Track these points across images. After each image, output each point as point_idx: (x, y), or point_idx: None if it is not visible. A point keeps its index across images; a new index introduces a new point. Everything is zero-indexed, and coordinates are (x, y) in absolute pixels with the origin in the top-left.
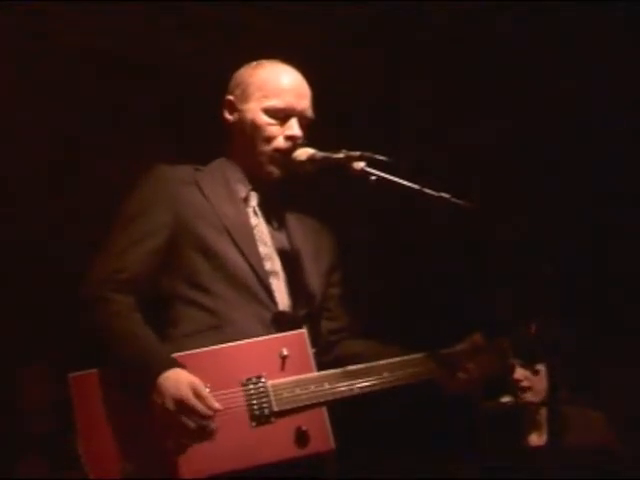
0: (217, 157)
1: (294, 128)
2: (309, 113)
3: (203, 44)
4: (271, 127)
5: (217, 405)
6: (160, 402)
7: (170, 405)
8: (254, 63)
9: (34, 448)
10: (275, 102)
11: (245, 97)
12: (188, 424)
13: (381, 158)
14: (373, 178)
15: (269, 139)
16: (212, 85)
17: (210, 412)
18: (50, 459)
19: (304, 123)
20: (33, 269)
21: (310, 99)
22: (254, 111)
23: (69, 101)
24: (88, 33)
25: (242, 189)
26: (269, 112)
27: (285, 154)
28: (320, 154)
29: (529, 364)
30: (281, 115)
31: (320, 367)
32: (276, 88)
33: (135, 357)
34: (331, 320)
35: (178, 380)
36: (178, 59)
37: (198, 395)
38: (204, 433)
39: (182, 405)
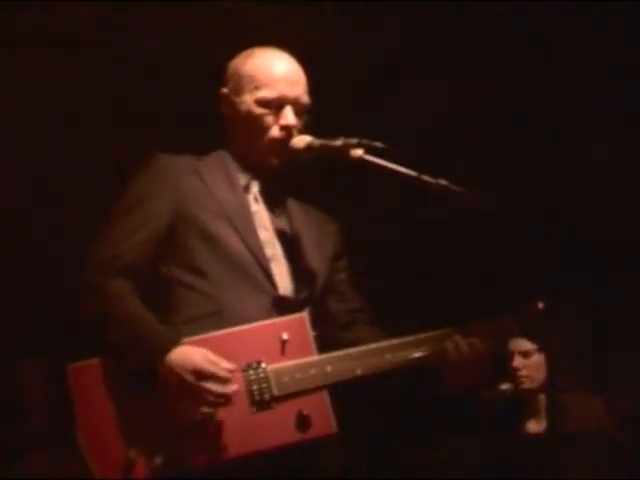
0: (218, 148)
1: (288, 117)
2: (304, 99)
3: (201, 36)
4: (265, 117)
5: (231, 365)
6: (176, 378)
7: (189, 377)
8: (247, 52)
9: (35, 442)
10: (267, 92)
11: (238, 89)
12: (212, 390)
13: (379, 145)
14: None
15: (264, 129)
16: (211, 77)
17: (229, 374)
18: (50, 452)
19: (300, 109)
20: (32, 266)
21: (304, 85)
22: (247, 103)
23: (70, 96)
24: (88, 28)
25: (242, 178)
26: (262, 103)
27: (282, 143)
28: (318, 142)
29: (533, 341)
30: (275, 105)
31: (327, 349)
32: (267, 78)
33: (137, 339)
34: (343, 302)
35: (188, 353)
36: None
37: (211, 361)
38: (226, 398)
39: (201, 373)
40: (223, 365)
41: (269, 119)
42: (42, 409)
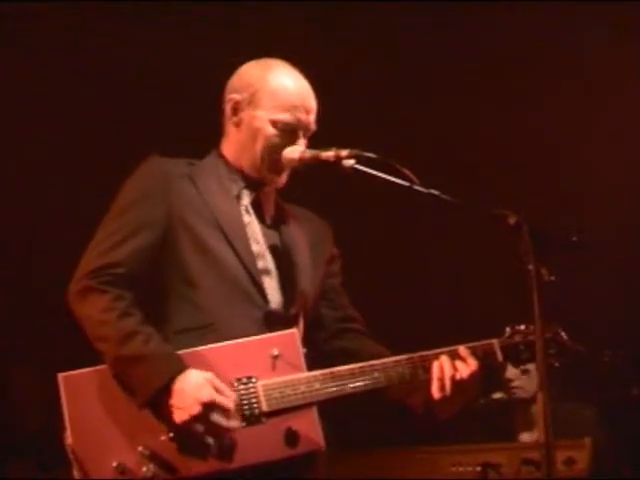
0: (208, 152)
1: (300, 144)
2: (313, 126)
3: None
4: (276, 138)
5: (233, 395)
6: (184, 406)
7: (197, 409)
8: (263, 63)
9: (23, 449)
10: (285, 117)
11: (254, 103)
12: (219, 423)
13: (371, 155)
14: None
15: (272, 150)
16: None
17: (232, 404)
18: (37, 460)
19: (308, 134)
20: (22, 271)
21: (316, 112)
22: (262, 120)
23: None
24: (85, 32)
25: (234, 187)
26: (277, 124)
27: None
28: (309, 152)
29: (517, 366)
30: (288, 129)
31: (318, 361)
32: (287, 101)
33: (140, 359)
34: (334, 309)
35: (196, 382)
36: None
37: (218, 390)
38: (229, 431)
39: (210, 405)
40: (228, 394)
41: (279, 140)
42: (32, 417)
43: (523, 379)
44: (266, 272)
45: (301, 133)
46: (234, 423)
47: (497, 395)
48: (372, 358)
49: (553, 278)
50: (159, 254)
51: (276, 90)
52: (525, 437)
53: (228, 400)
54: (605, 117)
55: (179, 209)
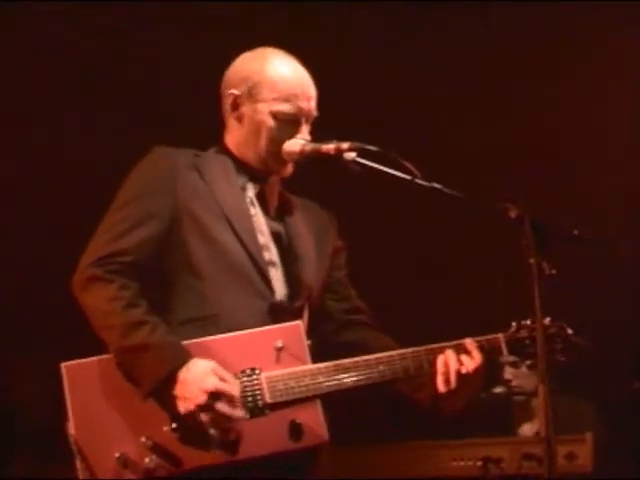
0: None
1: (305, 134)
2: (315, 113)
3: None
4: (279, 130)
5: (237, 383)
6: (189, 395)
7: (202, 398)
8: (259, 54)
9: (26, 443)
10: (285, 107)
11: (253, 96)
12: (223, 412)
13: (372, 148)
14: (355, 162)
15: (277, 142)
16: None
17: (237, 393)
18: (40, 454)
19: (309, 121)
20: (23, 261)
21: (316, 98)
22: (263, 113)
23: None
24: (84, 28)
25: (239, 179)
26: (279, 115)
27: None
28: (310, 145)
29: (522, 361)
30: (290, 118)
31: (324, 348)
32: (287, 92)
33: (145, 349)
34: (340, 301)
35: (201, 371)
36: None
37: (223, 379)
38: (232, 421)
39: (215, 394)
40: (233, 382)
41: (282, 132)
42: (31, 409)
43: (522, 378)
44: (271, 264)
45: (303, 121)
46: (239, 412)
47: (498, 389)
48: (378, 351)
49: (554, 272)
50: (165, 244)
51: (274, 81)
52: (525, 429)
53: (233, 388)
54: (605, 116)
55: (185, 200)
